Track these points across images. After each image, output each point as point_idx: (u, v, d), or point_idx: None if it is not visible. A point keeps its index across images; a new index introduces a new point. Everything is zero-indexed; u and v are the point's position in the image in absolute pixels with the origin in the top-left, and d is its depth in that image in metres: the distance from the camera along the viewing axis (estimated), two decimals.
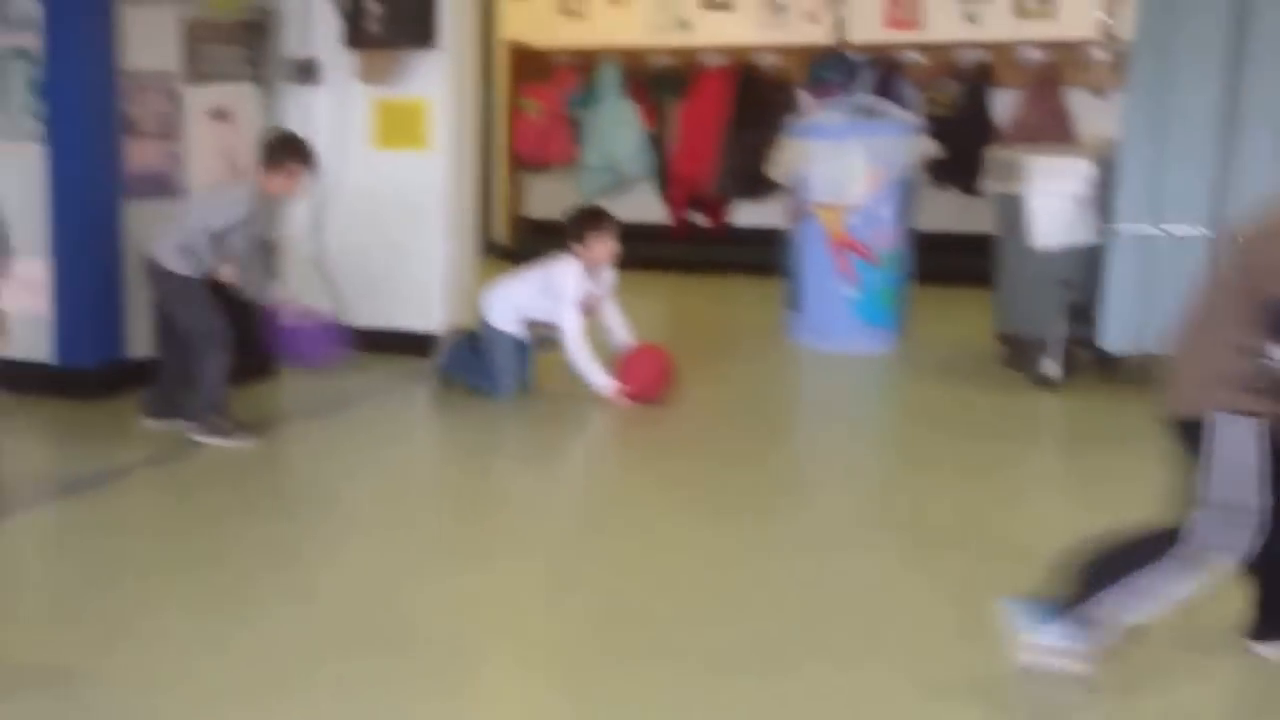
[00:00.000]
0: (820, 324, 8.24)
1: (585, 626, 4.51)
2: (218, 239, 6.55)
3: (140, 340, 7.41)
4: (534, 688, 4.17)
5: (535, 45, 11.62)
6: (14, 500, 5.66)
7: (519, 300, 7.34)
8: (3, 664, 4.26)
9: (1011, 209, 7.56)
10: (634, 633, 4.41)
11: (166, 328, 6.66)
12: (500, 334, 7.30)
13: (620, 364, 7.18)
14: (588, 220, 7.33)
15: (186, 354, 6.51)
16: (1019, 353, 7.65)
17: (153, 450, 6.44)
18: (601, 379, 7.09)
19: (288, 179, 6.71)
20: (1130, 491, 5.73)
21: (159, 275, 6.57)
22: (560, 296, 7.18)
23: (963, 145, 9.70)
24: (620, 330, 7.35)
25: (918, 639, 4.33)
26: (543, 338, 7.33)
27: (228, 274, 6.59)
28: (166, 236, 6.61)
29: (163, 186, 7.52)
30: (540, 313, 7.29)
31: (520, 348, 7.32)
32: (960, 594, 4.64)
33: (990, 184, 7.80)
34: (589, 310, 7.26)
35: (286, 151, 6.74)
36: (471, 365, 7.38)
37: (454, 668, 4.19)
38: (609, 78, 11.17)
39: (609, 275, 7.34)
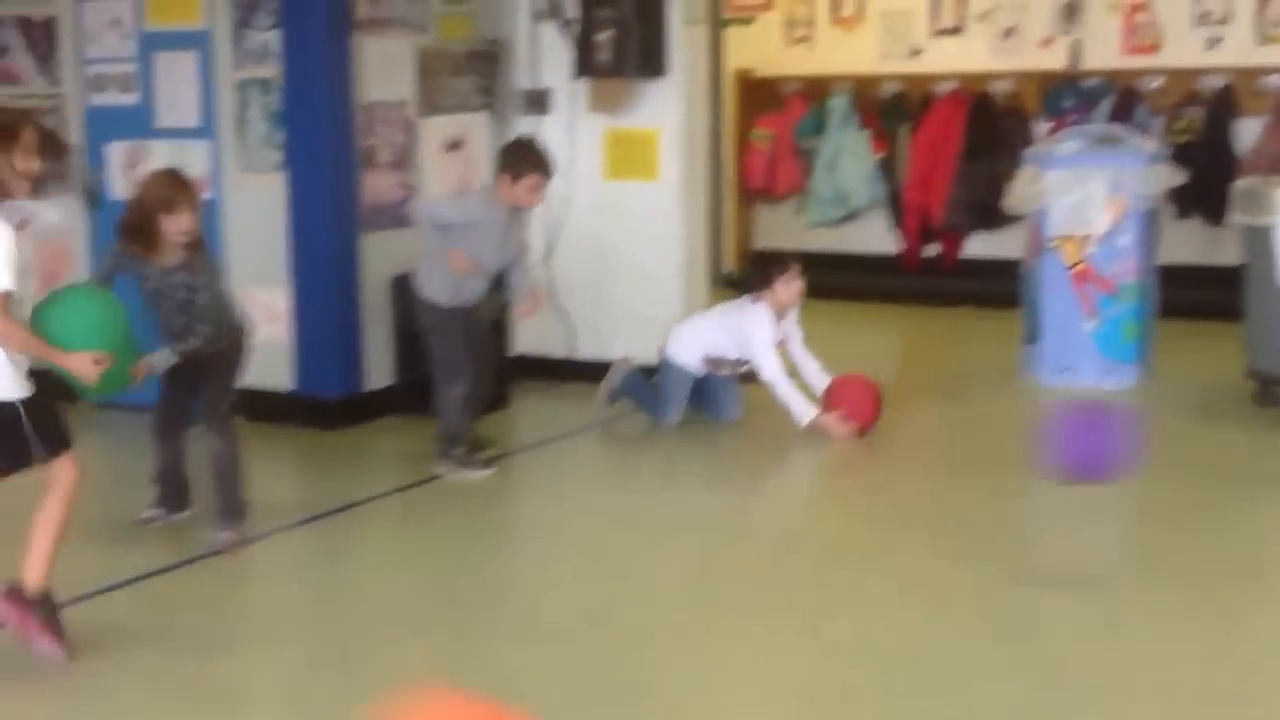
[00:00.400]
0: (1059, 359, 8.00)
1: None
2: (455, 238, 6.45)
3: (380, 372, 7.52)
4: None
5: (763, 74, 11.57)
6: (257, 527, 5.79)
7: (706, 340, 7.41)
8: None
9: (1260, 241, 7.29)
10: None
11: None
12: (678, 368, 7.39)
13: (828, 394, 7.17)
14: (774, 266, 7.37)
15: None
16: (1271, 390, 7.35)
17: (391, 481, 6.54)
18: (810, 409, 7.07)
19: (529, 191, 6.52)
20: None
21: (416, 305, 6.64)
22: (754, 343, 7.22)
23: (1206, 174, 9.39)
24: (813, 367, 7.35)
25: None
26: (741, 371, 7.42)
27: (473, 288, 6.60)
28: (423, 266, 6.66)
29: (398, 218, 7.62)
30: (725, 351, 7.38)
31: (690, 381, 7.40)
32: None
33: (1237, 215, 7.52)
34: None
35: (525, 160, 6.53)
36: (642, 392, 7.51)
37: None
38: (838, 106, 11.05)
39: (793, 316, 7.38)
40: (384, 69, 7.55)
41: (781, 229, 11.47)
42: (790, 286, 7.26)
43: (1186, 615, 4.84)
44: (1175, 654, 4.55)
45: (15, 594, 4.51)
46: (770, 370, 7.19)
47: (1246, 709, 4.17)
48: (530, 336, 8.24)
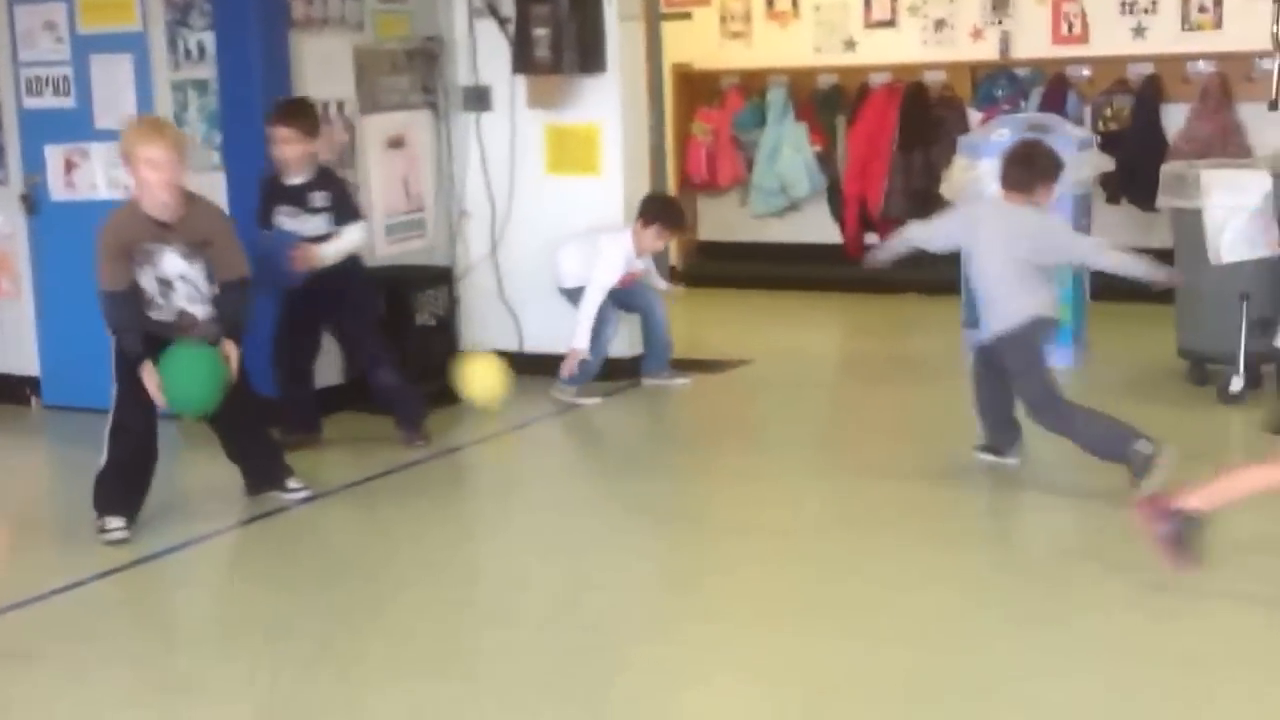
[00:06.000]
0: None
1: None
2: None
3: (329, 370, 7.53)
4: None
5: (701, 68, 11.66)
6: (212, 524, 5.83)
7: (575, 256, 7.89)
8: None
9: (1189, 224, 7.41)
10: None
11: None
12: (576, 290, 7.79)
13: None
14: (664, 214, 7.82)
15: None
16: (1203, 369, 7.50)
17: (344, 476, 6.60)
18: (584, 341, 7.59)
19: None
20: None
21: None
22: (600, 263, 7.63)
23: (1135, 160, 9.55)
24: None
25: None
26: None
27: None
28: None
29: None
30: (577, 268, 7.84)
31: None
32: None
33: (1166, 199, 7.65)
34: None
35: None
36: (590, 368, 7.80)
37: None
38: (776, 99, 11.17)
39: (652, 264, 8.00)
40: (322, 68, 7.57)
41: (725, 221, 11.58)
42: (658, 239, 7.76)
43: (1134, 592, 4.97)
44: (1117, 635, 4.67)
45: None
46: (593, 295, 7.57)
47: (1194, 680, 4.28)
48: (478, 331, 8.30)
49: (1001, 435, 6.31)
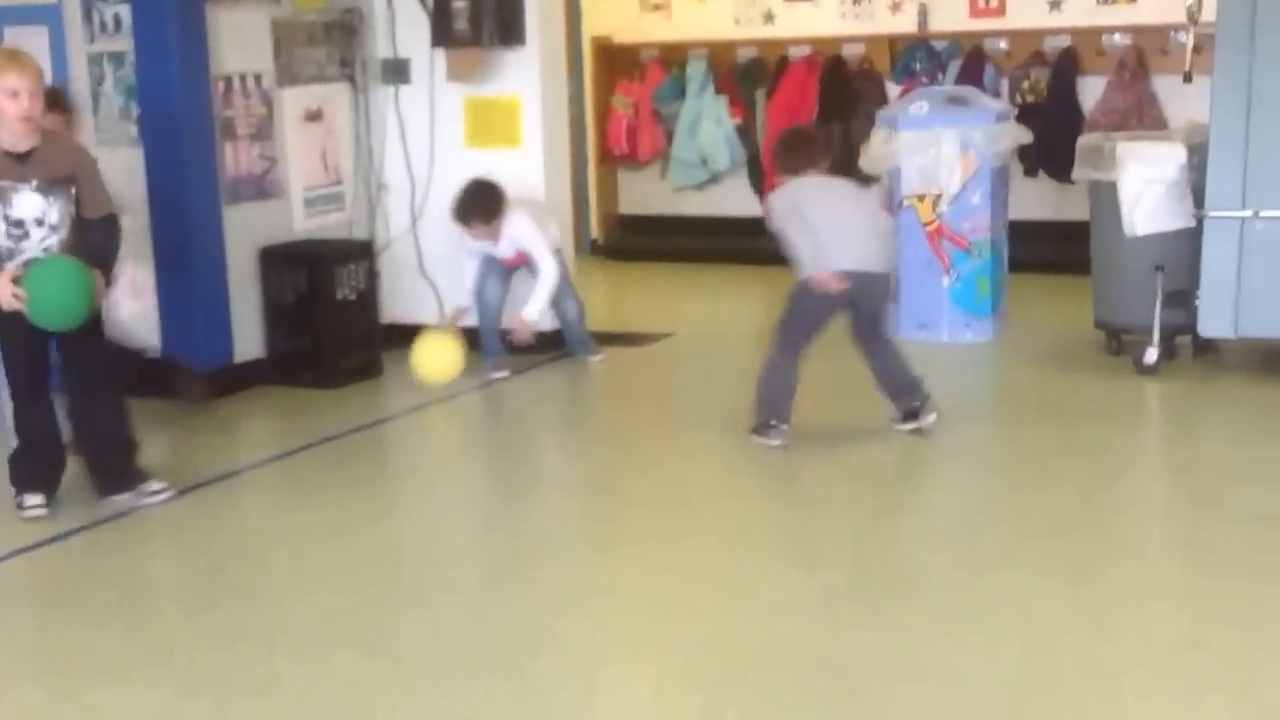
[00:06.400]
0: (917, 315, 8.20)
1: None
2: None
3: (250, 344, 7.49)
4: None
5: (621, 41, 11.64)
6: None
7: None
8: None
9: (1104, 196, 7.49)
10: None
11: None
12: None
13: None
14: (476, 213, 7.57)
15: None
16: (1118, 340, 7.60)
17: (266, 450, 6.56)
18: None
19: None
20: (1232, 471, 5.79)
21: None
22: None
23: (1052, 133, 9.63)
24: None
25: None
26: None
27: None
28: None
29: (263, 189, 7.62)
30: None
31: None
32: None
33: (1083, 171, 7.73)
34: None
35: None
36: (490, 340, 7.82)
37: None
38: (695, 72, 11.16)
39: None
40: (239, 40, 7.51)
41: (646, 194, 11.57)
42: (478, 235, 7.58)
43: (1047, 553, 5.04)
44: (1033, 593, 4.73)
45: None
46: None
47: (1106, 646, 4.35)
48: (399, 305, 8.26)
49: (906, 399, 6.36)
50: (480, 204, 7.51)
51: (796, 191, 6.34)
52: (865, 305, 6.30)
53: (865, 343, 6.39)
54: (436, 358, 6.96)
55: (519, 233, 7.54)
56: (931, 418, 6.35)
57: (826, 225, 6.19)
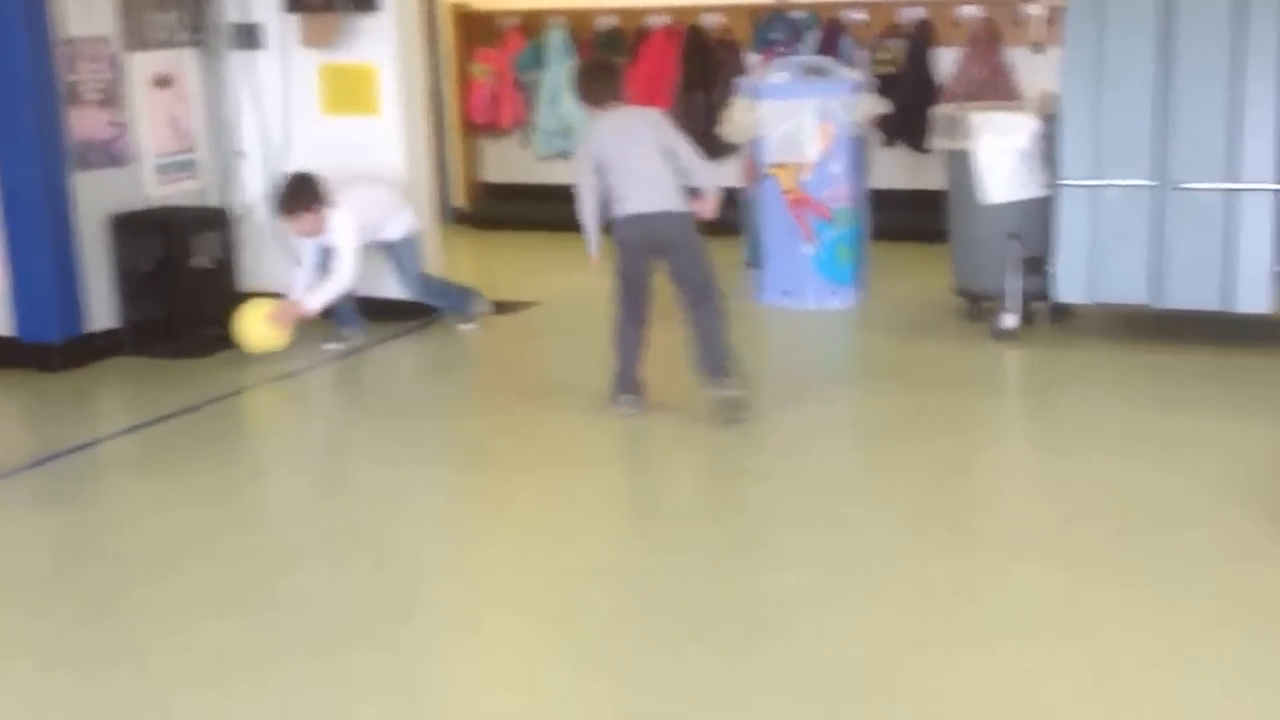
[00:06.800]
0: (781, 282, 8.25)
1: None
2: None
3: (103, 313, 7.32)
4: None
5: (479, 8, 11.54)
6: None
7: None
8: None
9: (960, 165, 7.59)
10: None
11: None
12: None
13: None
14: (297, 206, 7.37)
15: None
16: (977, 307, 7.71)
17: (123, 421, 6.43)
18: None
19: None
20: (1089, 434, 5.90)
21: None
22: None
23: (909, 103, 9.72)
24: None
25: None
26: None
27: None
28: None
29: (112, 155, 7.44)
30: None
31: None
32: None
33: (938, 141, 7.82)
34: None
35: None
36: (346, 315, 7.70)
37: None
38: (555, 40, 11.11)
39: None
40: (83, 3, 7.31)
41: (509, 162, 11.49)
42: (299, 227, 7.38)
43: (913, 515, 5.10)
44: (898, 553, 4.79)
45: None
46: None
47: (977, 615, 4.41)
48: (256, 273, 8.12)
49: (708, 373, 6.22)
50: (301, 197, 7.33)
51: (597, 139, 6.33)
52: (669, 249, 6.25)
53: (687, 302, 6.26)
54: (258, 326, 6.98)
55: (336, 226, 7.36)
56: (738, 392, 6.18)
57: (621, 171, 6.21)
